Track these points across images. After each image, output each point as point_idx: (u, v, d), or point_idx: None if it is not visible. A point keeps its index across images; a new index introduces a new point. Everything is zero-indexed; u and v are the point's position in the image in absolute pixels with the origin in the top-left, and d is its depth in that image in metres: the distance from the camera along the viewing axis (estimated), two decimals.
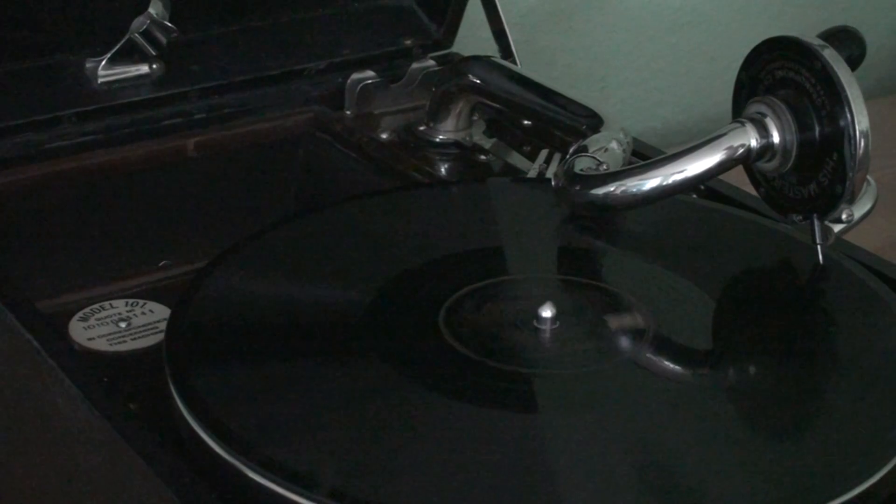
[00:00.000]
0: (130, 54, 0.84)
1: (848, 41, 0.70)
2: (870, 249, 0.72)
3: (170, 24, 0.83)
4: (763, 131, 0.67)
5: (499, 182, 0.80)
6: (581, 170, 0.71)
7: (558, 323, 0.63)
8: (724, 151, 0.68)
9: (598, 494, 0.55)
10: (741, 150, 0.68)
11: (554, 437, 0.57)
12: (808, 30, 0.70)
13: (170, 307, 0.66)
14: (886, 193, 0.75)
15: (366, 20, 0.93)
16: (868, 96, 0.68)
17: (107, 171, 0.81)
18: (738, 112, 0.69)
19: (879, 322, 0.65)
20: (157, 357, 0.63)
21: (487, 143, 0.86)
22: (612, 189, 0.69)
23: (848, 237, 0.70)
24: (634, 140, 0.79)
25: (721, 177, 0.71)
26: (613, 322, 0.65)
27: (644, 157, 0.77)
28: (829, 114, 0.65)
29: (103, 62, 0.83)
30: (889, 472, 0.56)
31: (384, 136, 0.87)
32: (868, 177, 0.69)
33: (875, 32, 1.31)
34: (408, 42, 0.93)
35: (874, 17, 1.32)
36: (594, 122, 0.77)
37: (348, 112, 0.89)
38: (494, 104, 0.84)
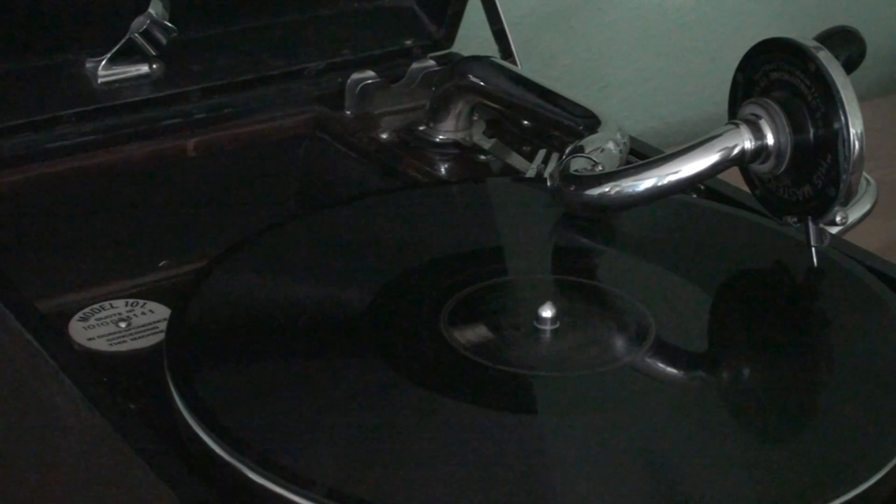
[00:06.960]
0: (130, 54, 0.84)
1: (847, 42, 0.70)
2: (870, 249, 0.72)
3: (170, 24, 0.83)
4: (757, 133, 0.67)
5: (498, 182, 0.80)
6: (576, 170, 0.71)
7: (558, 323, 0.63)
8: (719, 153, 0.68)
9: (598, 496, 0.55)
10: (735, 152, 0.68)
11: (554, 439, 0.57)
12: (807, 30, 0.70)
13: (170, 307, 0.67)
14: (886, 193, 0.75)
15: (366, 20, 0.93)
16: (867, 96, 0.68)
17: (107, 171, 0.81)
18: (734, 113, 0.70)
19: (879, 322, 0.65)
20: (157, 357, 0.63)
21: (487, 143, 0.85)
22: (606, 190, 0.69)
23: (848, 237, 0.70)
24: (634, 140, 0.79)
25: (721, 177, 0.71)
26: (614, 325, 0.65)
27: (643, 157, 0.77)
28: (824, 116, 0.65)
29: (103, 62, 0.83)
30: (889, 472, 0.56)
31: (384, 136, 0.87)
32: (868, 177, 0.69)
33: (875, 32, 1.31)
34: (408, 42, 0.93)
35: (874, 17, 1.32)
36: (591, 122, 0.77)
37: (348, 112, 0.89)
38: (494, 104, 0.84)
